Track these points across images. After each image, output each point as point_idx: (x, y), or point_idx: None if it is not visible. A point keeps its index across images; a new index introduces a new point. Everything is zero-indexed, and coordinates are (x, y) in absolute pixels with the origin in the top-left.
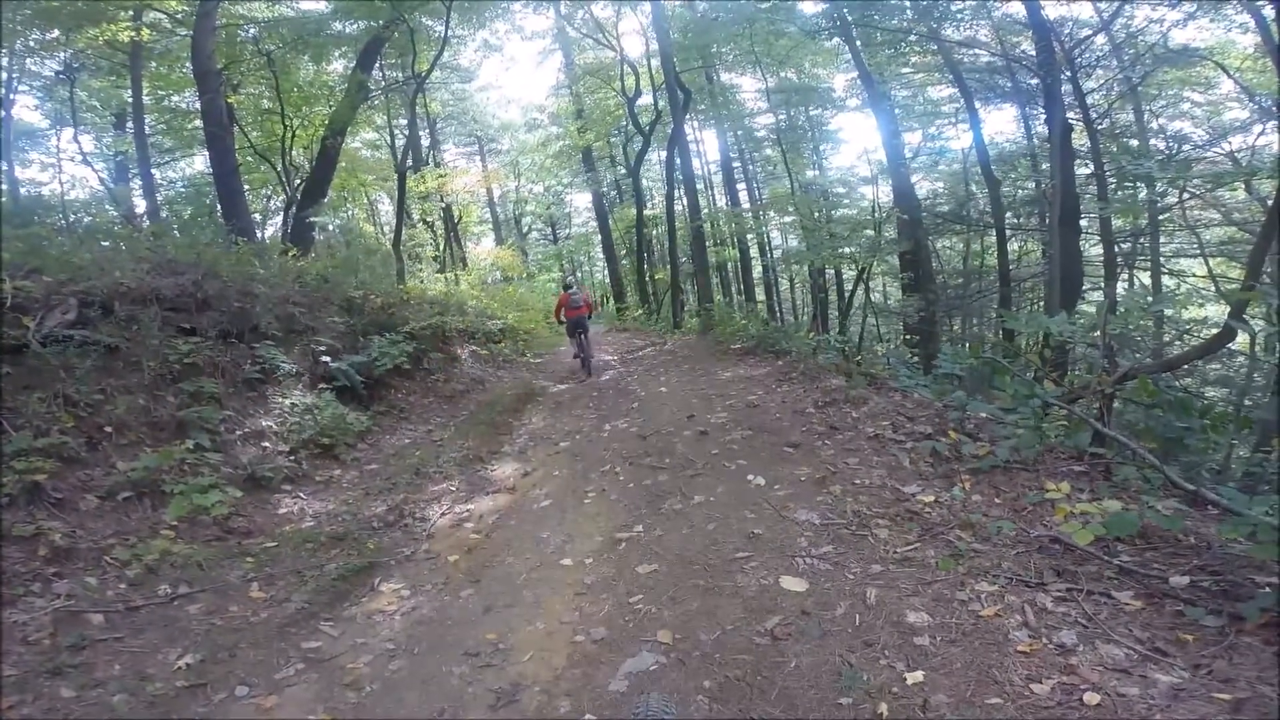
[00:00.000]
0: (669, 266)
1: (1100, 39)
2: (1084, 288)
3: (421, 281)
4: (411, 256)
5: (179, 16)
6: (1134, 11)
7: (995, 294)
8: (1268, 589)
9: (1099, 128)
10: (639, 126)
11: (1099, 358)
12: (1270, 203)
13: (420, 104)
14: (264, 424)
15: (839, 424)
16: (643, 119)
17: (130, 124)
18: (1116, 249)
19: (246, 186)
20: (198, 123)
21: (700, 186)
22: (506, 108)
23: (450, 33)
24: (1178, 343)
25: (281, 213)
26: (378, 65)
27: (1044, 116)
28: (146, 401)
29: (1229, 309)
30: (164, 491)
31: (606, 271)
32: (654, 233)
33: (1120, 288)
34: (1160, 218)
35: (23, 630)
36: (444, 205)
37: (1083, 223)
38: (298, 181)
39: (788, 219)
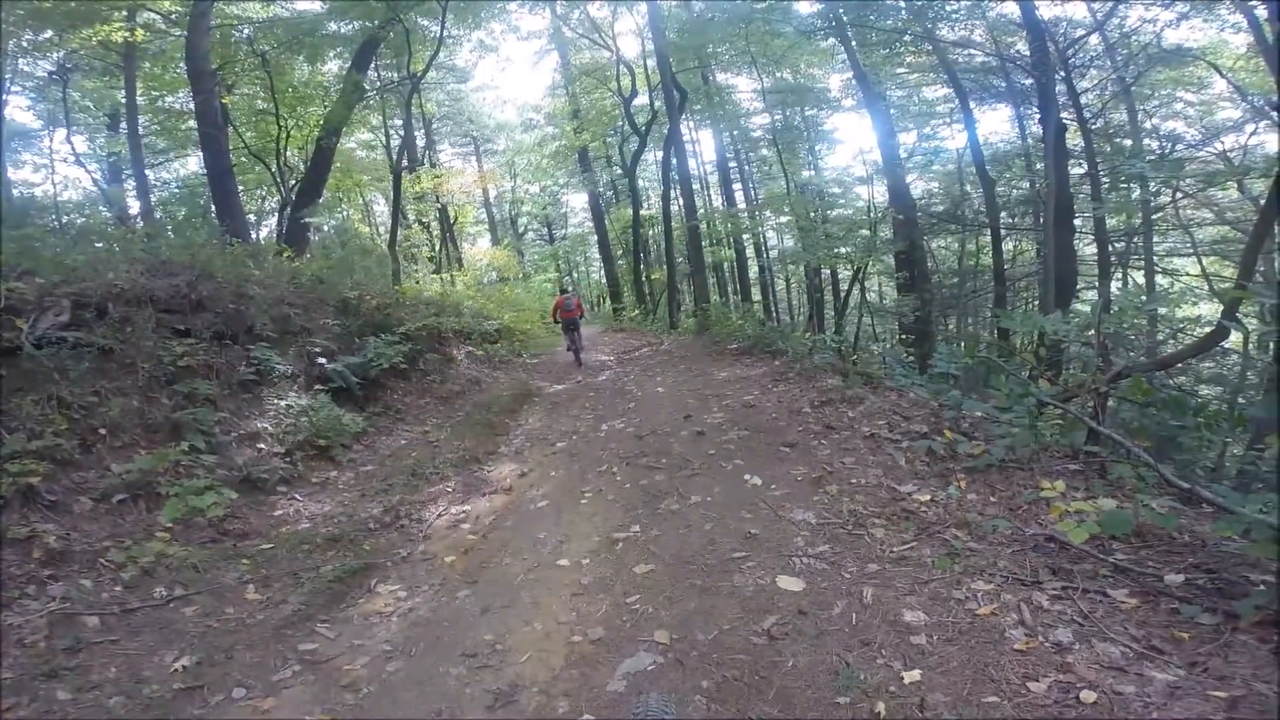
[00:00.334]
0: (665, 267)
1: (1094, 39)
2: (1078, 287)
3: (417, 282)
4: (407, 257)
5: (173, 17)
6: (1127, 12)
7: (990, 293)
8: (1263, 586)
9: (1093, 127)
10: (635, 127)
11: (1093, 356)
12: (1263, 202)
13: (416, 104)
14: (259, 426)
15: (835, 423)
16: (639, 119)
17: (124, 125)
18: (1110, 248)
19: (241, 187)
20: (192, 123)
21: (696, 186)
22: (502, 108)
23: (446, 33)
24: (1171, 341)
25: (276, 214)
26: (373, 65)
27: (1038, 116)
28: (141, 403)
29: (1222, 308)
30: (159, 494)
31: (603, 272)
32: (650, 233)
33: (1114, 287)
34: (1154, 217)
35: (18, 633)
36: (440, 206)
37: (1077, 222)
38: (292, 182)
39: (784, 219)
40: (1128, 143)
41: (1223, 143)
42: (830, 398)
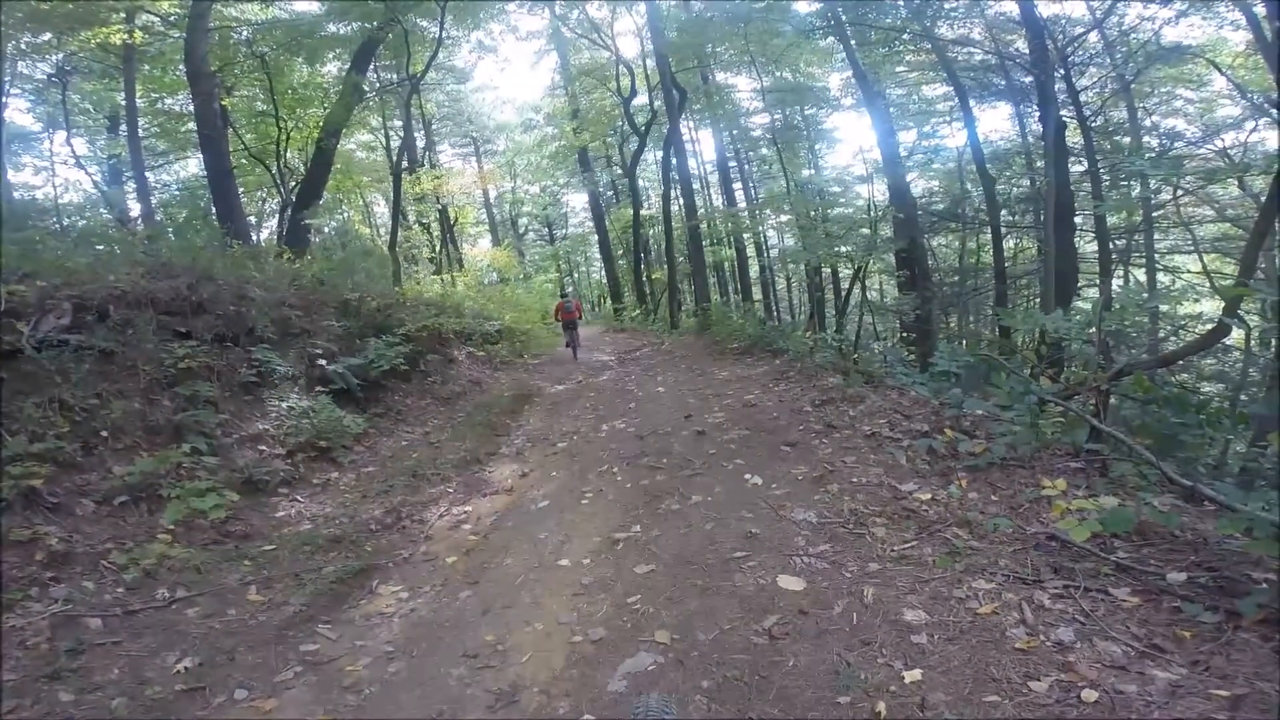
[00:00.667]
0: (666, 266)
1: (1093, 37)
2: (1079, 284)
3: (418, 283)
4: (408, 258)
5: (172, 19)
6: (1126, 9)
7: (991, 291)
8: (1265, 584)
9: (1093, 125)
10: (635, 127)
11: (1095, 354)
12: (1263, 199)
13: (415, 105)
14: (260, 427)
15: (836, 422)
16: (639, 119)
17: (124, 127)
18: (1111, 246)
19: (241, 189)
20: (191, 125)
21: (696, 186)
22: (502, 108)
23: (445, 34)
24: (1173, 339)
25: (277, 215)
26: (372, 66)
27: (1038, 114)
28: (142, 406)
29: (1224, 305)
30: (161, 495)
31: (603, 272)
32: (650, 233)
33: (1115, 284)
34: (1154, 214)
35: (20, 635)
36: (440, 206)
37: (1077, 220)
38: (293, 184)
39: (784, 218)
40: (1128, 140)
41: (1223, 140)
42: (831, 397)
